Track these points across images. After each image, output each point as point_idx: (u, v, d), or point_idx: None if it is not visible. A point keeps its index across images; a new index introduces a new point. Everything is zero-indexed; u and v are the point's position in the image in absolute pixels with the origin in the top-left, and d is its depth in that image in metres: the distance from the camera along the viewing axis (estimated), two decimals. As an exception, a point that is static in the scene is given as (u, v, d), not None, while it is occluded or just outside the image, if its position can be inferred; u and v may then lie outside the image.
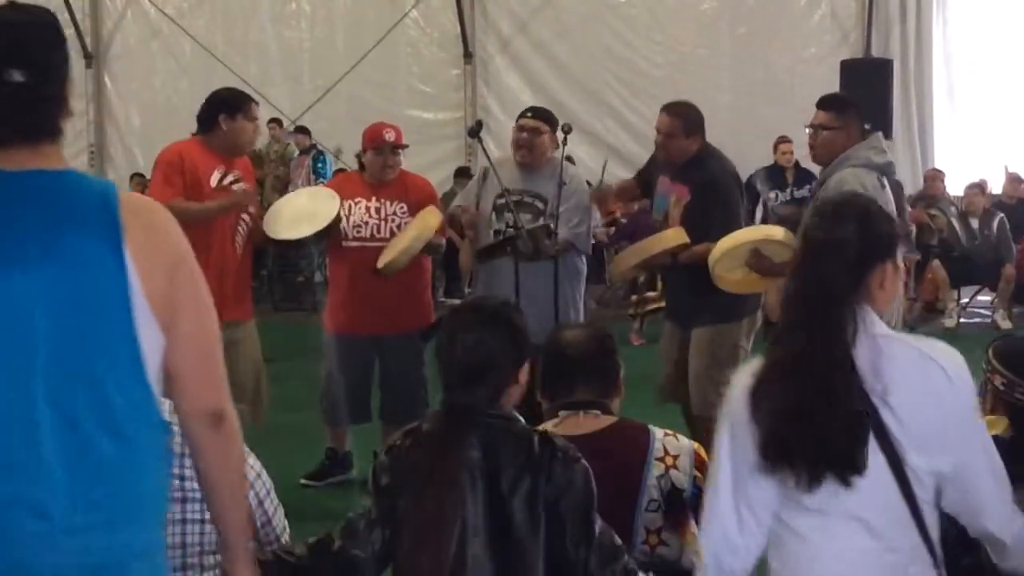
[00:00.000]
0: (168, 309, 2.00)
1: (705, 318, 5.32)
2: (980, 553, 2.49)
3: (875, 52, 13.43)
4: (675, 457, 2.97)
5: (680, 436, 3.06)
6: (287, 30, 15.45)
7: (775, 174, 11.26)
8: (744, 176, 7.32)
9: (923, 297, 11.15)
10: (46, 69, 1.98)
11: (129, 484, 1.96)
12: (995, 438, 2.65)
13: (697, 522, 2.58)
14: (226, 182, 5.38)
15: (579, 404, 3.00)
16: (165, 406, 2.14)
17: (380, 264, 5.43)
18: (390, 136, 5.71)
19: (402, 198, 5.69)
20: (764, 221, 10.27)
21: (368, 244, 5.60)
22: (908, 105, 13.51)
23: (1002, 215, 11.10)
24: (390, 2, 14.77)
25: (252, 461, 2.73)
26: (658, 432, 3.03)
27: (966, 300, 11.45)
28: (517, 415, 2.60)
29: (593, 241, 10.97)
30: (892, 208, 4.98)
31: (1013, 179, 12.02)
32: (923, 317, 10.84)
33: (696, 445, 3.04)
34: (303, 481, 5.90)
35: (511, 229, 5.35)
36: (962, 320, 11.05)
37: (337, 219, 5.53)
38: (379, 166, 5.71)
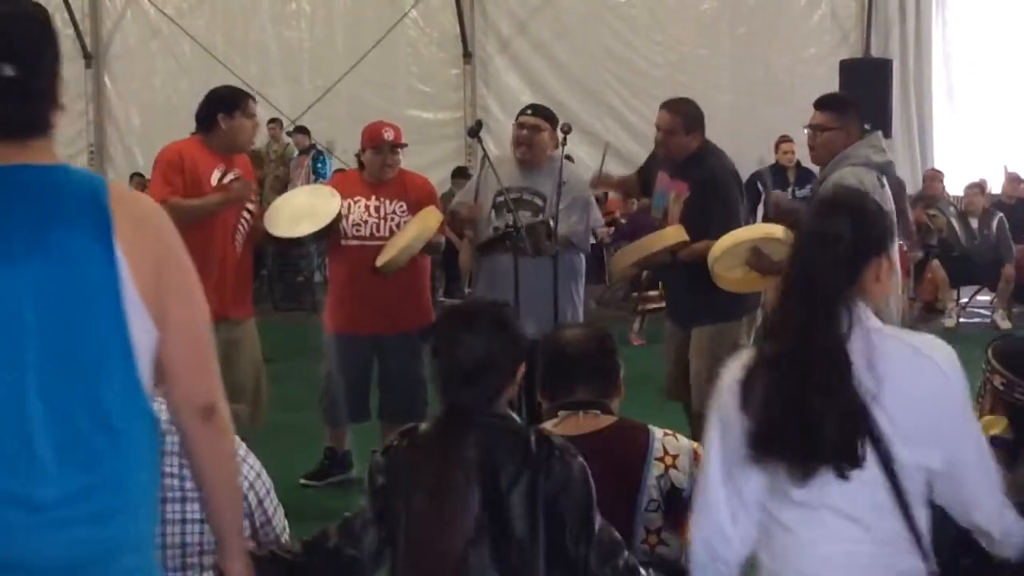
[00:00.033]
0: (158, 301, 2.00)
1: (705, 317, 5.32)
2: (980, 553, 2.49)
3: (875, 52, 13.43)
4: (675, 457, 2.97)
5: (680, 436, 3.06)
6: (287, 30, 15.45)
7: (777, 174, 11.28)
8: (745, 175, 7.33)
9: (923, 297, 11.15)
10: (36, 63, 1.98)
11: (120, 477, 1.97)
12: (995, 438, 2.66)
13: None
14: (226, 181, 5.38)
15: (579, 404, 3.00)
16: (162, 408, 2.15)
17: (379, 262, 5.44)
18: (389, 135, 5.71)
19: (401, 197, 5.69)
20: (766, 219, 10.28)
21: (368, 243, 5.60)
22: (907, 105, 13.51)
23: (1001, 215, 11.10)
24: (390, 2, 14.77)
25: (252, 461, 2.73)
26: (658, 432, 3.03)
27: (965, 300, 11.45)
28: (513, 414, 2.61)
29: (594, 241, 10.98)
30: (891, 207, 4.98)
31: (1012, 179, 12.02)
32: (923, 317, 10.84)
33: (696, 445, 3.04)
34: (303, 481, 5.90)
35: (511, 229, 5.35)
36: (962, 320, 11.04)
37: (338, 218, 5.53)
38: (378, 165, 5.71)
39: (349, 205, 5.63)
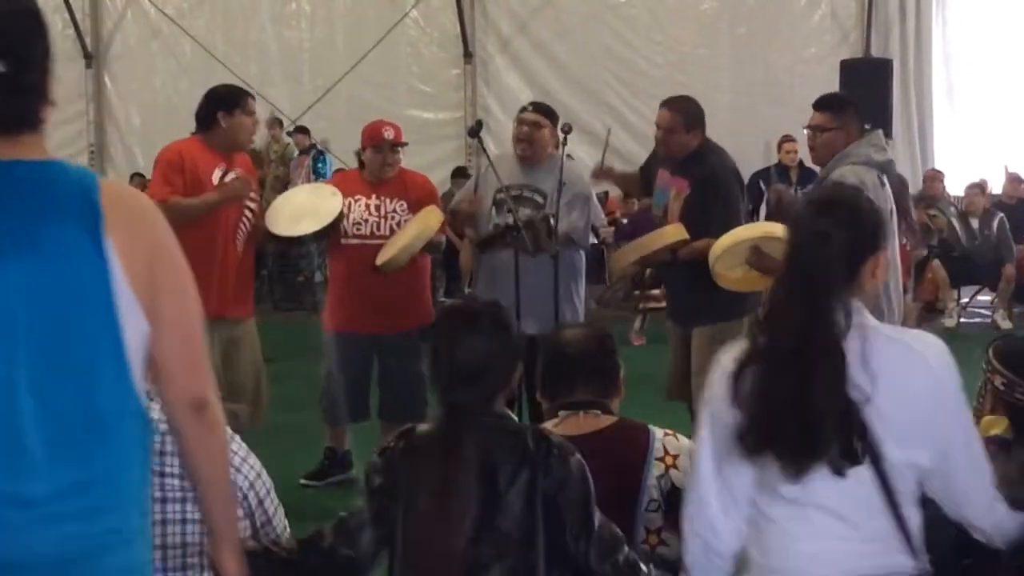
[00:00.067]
0: (151, 297, 2.00)
1: (706, 317, 5.31)
2: (980, 553, 2.49)
3: (875, 52, 13.43)
4: (675, 457, 2.97)
5: (680, 436, 3.06)
6: (287, 30, 15.45)
7: (779, 174, 11.28)
8: (745, 175, 7.32)
9: (923, 297, 11.15)
10: (27, 59, 1.97)
11: (111, 473, 1.97)
12: (996, 438, 2.66)
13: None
14: (227, 180, 5.38)
15: (579, 404, 3.00)
16: (154, 407, 2.15)
17: (379, 261, 5.44)
18: (389, 134, 5.71)
19: (402, 196, 5.70)
20: (769, 218, 10.29)
21: (368, 242, 5.61)
22: (908, 105, 13.51)
23: (1002, 215, 11.10)
24: (390, 2, 14.77)
25: (252, 461, 2.73)
26: (658, 432, 3.03)
27: (966, 300, 11.45)
28: (510, 413, 2.61)
29: (596, 241, 10.94)
30: (891, 205, 4.98)
31: (1013, 179, 12.02)
32: (923, 317, 10.84)
33: (696, 445, 3.04)
34: (303, 481, 5.90)
35: (511, 225, 5.35)
36: (962, 320, 11.05)
37: (340, 216, 5.53)
38: (378, 164, 5.72)
39: (350, 204, 5.63)
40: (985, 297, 11.50)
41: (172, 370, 2.06)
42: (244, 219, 5.44)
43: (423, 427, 2.58)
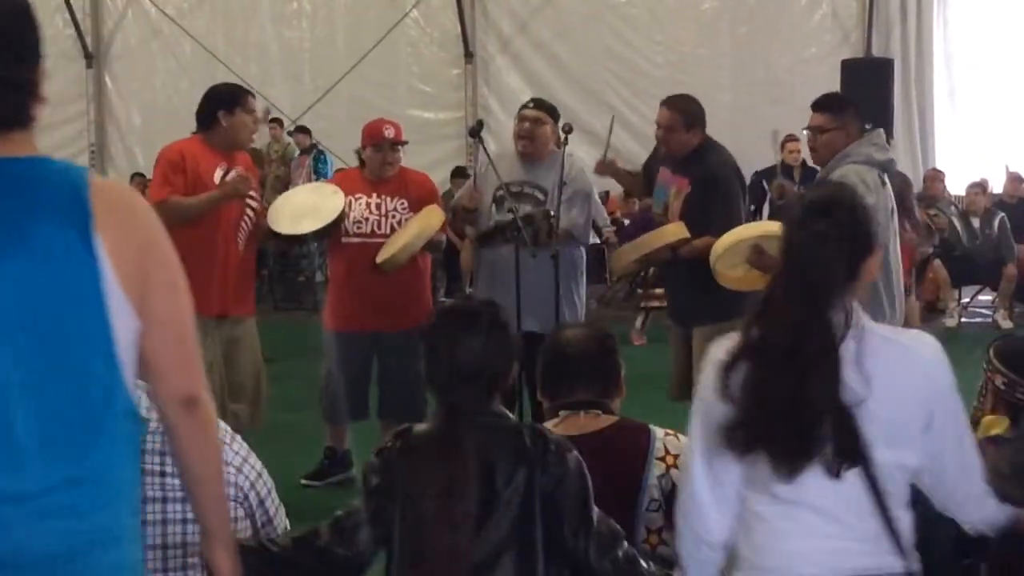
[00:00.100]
0: (142, 294, 1.99)
1: (706, 317, 5.31)
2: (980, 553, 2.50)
3: (876, 52, 13.44)
4: (676, 457, 2.96)
5: (681, 436, 3.05)
6: (287, 30, 15.46)
7: (783, 173, 11.28)
8: (746, 175, 7.32)
9: (924, 297, 11.15)
10: (19, 56, 1.96)
11: (101, 471, 1.96)
12: (996, 438, 2.65)
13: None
14: (228, 179, 5.38)
15: (580, 404, 3.00)
16: (143, 402, 2.14)
17: (380, 259, 5.44)
18: (389, 133, 5.71)
19: (402, 194, 5.70)
20: (772, 216, 10.30)
21: (369, 240, 5.61)
22: (909, 105, 13.52)
23: (1003, 215, 11.10)
24: (390, 2, 14.78)
25: (253, 461, 2.73)
26: (659, 432, 3.03)
27: (967, 300, 11.45)
28: (507, 412, 2.60)
29: (598, 240, 10.93)
30: (892, 204, 4.98)
31: (1014, 178, 12.02)
32: (924, 317, 10.84)
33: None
34: (303, 481, 5.90)
35: (510, 218, 5.35)
36: (963, 320, 11.05)
37: (342, 215, 5.53)
38: (379, 163, 5.72)
39: (350, 203, 5.64)
40: (986, 297, 11.50)
41: (163, 367, 2.05)
42: (245, 218, 5.44)
43: (420, 427, 2.58)
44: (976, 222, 11.10)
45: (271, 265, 12.53)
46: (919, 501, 2.37)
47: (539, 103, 5.83)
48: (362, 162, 6.30)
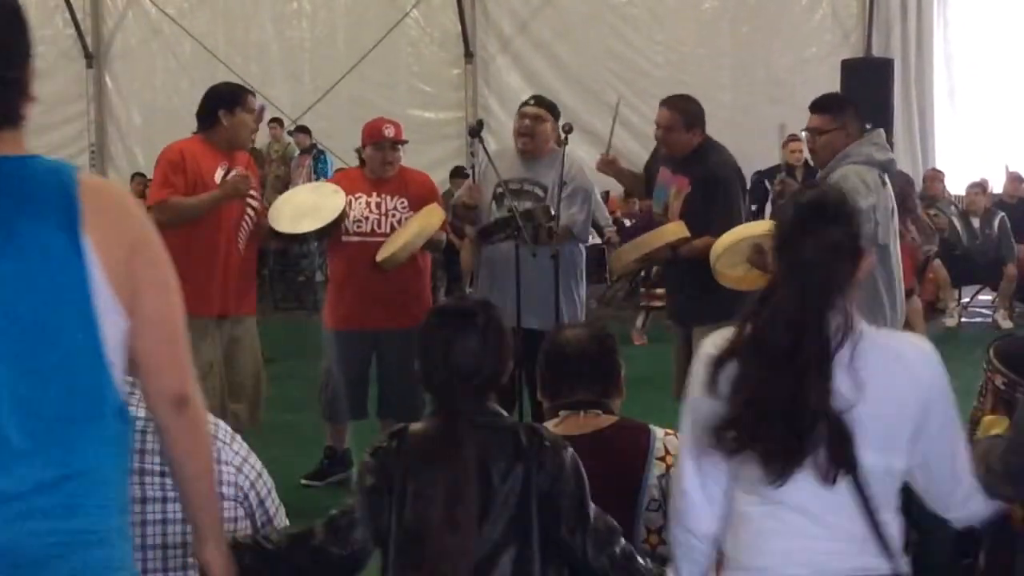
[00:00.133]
0: (131, 293, 1.98)
1: (706, 317, 5.30)
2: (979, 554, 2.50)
3: (876, 52, 13.44)
4: (676, 456, 2.96)
5: (681, 435, 3.06)
6: (288, 29, 15.46)
7: (785, 173, 11.27)
8: (746, 174, 7.31)
9: (924, 297, 11.16)
10: (8, 55, 1.96)
11: (89, 471, 1.96)
12: (997, 438, 2.65)
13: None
14: (229, 178, 5.38)
15: (580, 404, 3.00)
16: (134, 400, 2.15)
17: (380, 257, 5.45)
18: (389, 132, 5.71)
19: (403, 194, 5.70)
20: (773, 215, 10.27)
21: (369, 239, 5.61)
22: (909, 105, 13.52)
23: (1003, 214, 11.11)
24: (390, 2, 14.78)
25: (253, 461, 2.73)
26: (659, 431, 3.03)
27: (967, 300, 11.45)
28: (502, 410, 2.60)
29: (599, 241, 10.91)
30: (893, 204, 4.98)
31: (1014, 178, 12.02)
32: (924, 317, 10.85)
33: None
34: (304, 481, 5.90)
35: (510, 215, 5.35)
36: (963, 320, 11.05)
37: (343, 215, 5.54)
38: (379, 162, 5.72)
39: (350, 202, 5.64)
40: (986, 297, 11.50)
41: (153, 366, 2.05)
42: (246, 218, 5.44)
43: (416, 426, 2.58)
44: (976, 222, 11.11)
45: (271, 265, 12.54)
46: (918, 502, 2.37)
47: (540, 100, 5.84)
48: (362, 161, 6.30)
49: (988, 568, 2.86)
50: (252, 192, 5.47)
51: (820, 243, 2.19)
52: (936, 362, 2.25)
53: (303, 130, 14.00)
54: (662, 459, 2.96)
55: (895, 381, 2.20)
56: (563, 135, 5.65)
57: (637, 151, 10.38)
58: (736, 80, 14.02)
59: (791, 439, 2.16)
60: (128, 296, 1.98)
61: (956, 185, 12.20)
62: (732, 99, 13.69)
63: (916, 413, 2.21)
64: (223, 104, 5.37)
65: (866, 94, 10.30)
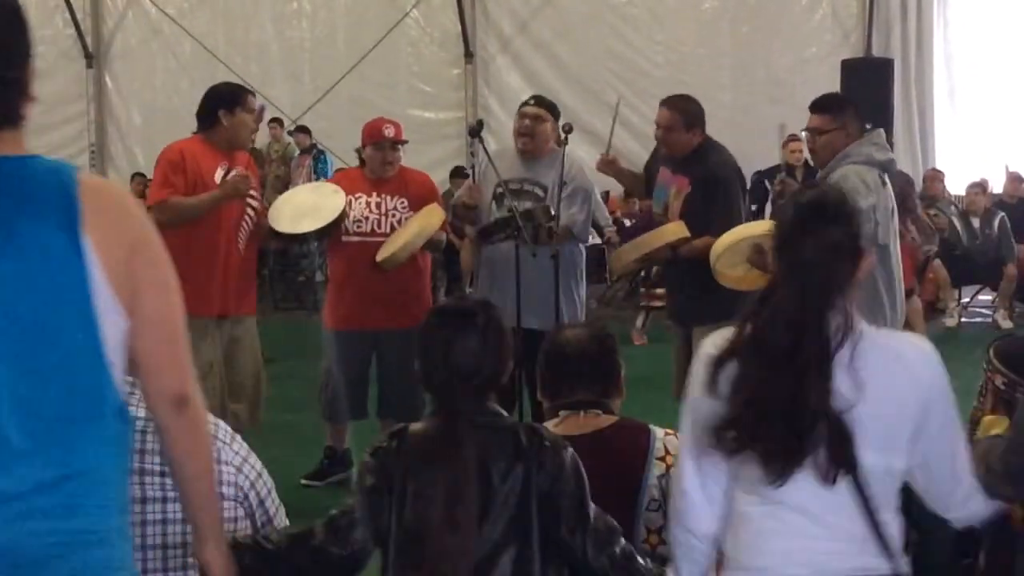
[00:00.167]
0: (131, 293, 1.98)
1: (707, 317, 5.30)
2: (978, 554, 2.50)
3: (876, 52, 13.44)
4: (676, 456, 2.96)
5: (681, 435, 3.06)
6: (288, 29, 15.46)
7: (786, 173, 11.28)
8: (746, 174, 7.31)
9: (924, 297, 11.16)
10: (8, 55, 1.96)
11: (89, 471, 1.96)
12: (997, 438, 2.65)
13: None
14: (229, 178, 5.38)
15: (580, 404, 3.00)
16: (134, 400, 2.15)
17: (380, 257, 5.45)
18: (389, 132, 5.71)
19: (402, 194, 5.71)
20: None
21: (368, 239, 5.61)
22: (909, 105, 13.52)
23: (1003, 214, 11.11)
24: (390, 2, 14.78)
25: (253, 461, 2.73)
26: (659, 431, 3.03)
27: (967, 300, 11.45)
28: (502, 410, 2.60)
29: (599, 241, 10.88)
30: (893, 204, 4.97)
31: (1014, 178, 12.02)
32: (924, 316, 10.85)
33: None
34: (304, 481, 5.90)
35: (510, 214, 5.35)
36: (963, 320, 11.05)
37: (343, 214, 5.54)
38: (379, 161, 5.72)
39: (350, 202, 5.64)
40: (986, 297, 11.50)
41: (153, 366, 2.05)
42: (246, 218, 5.44)
43: (416, 427, 2.58)
44: (976, 222, 11.11)
45: (271, 265, 12.54)
46: (917, 502, 2.37)
47: (540, 100, 5.84)
48: (362, 161, 6.31)
49: (988, 568, 2.87)
50: (252, 192, 5.47)
51: (820, 243, 2.19)
52: (936, 362, 2.25)
53: (303, 130, 14.00)
54: (662, 459, 2.96)
55: (895, 381, 2.20)
56: (563, 135, 5.65)
57: (637, 151, 10.38)
58: (736, 80, 14.02)
59: (791, 439, 2.16)
60: (128, 296, 1.98)
61: (956, 185, 12.20)
62: (732, 99, 13.69)
63: (916, 413, 2.21)
64: (223, 104, 5.36)
65: (866, 94, 10.30)
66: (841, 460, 2.15)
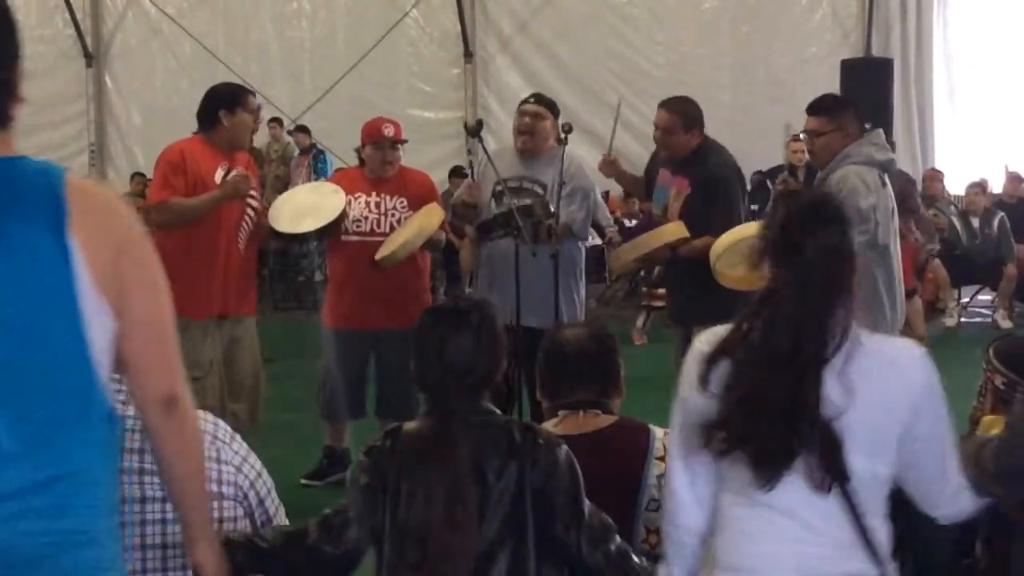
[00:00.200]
0: (118, 294, 1.97)
1: (707, 317, 5.28)
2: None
3: (875, 52, 13.44)
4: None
5: (681, 435, 3.05)
6: (288, 29, 15.46)
7: (788, 174, 11.28)
8: (747, 174, 7.30)
9: (924, 296, 11.16)
10: None
11: (77, 472, 1.95)
12: (987, 437, 2.65)
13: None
14: (229, 179, 5.38)
15: (579, 404, 3.00)
16: (120, 398, 2.15)
17: (379, 255, 5.45)
18: (389, 131, 5.71)
19: (402, 193, 5.71)
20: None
21: (368, 239, 5.61)
22: (908, 105, 13.52)
23: (1002, 214, 11.11)
24: (390, 2, 14.78)
25: (253, 460, 2.73)
26: (658, 431, 3.03)
27: (967, 299, 11.45)
28: (495, 409, 2.60)
29: (600, 242, 10.86)
30: (893, 204, 4.97)
31: (1013, 178, 12.02)
32: (924, 316, 10.85)
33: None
34: (303, 481, 5.90)
35: (509, 211, 5.35)
36: (963, 320, 11.05)
37: (343, 214, 5.54)
38: (379, 161, 5.72)
39: (350, 201, 5.64)
40: (985, 296, 11.50)
41: (141, 367, 2.04)
42: (246, 218, 5.44)
43: (410, 426, 2.58)
44: (976, 222, 11.11)
45: (271, 265, 12.54)
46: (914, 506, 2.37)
47: (539, 98, 5.84)
48: (362, 161, 6.31)
49: (987, 559, 2.86)
50: (252, 192, 5.47)
51: (820, 243, 2.19)
52: (927, 365, 2.24)
53: (303, 130, 14.00)
54: (662, 459, 2.95)
55: (888, 386, 2.19)
56: (563, 134, 5.65)
57: (638, 152, 10.38)
58: (736, 80, 14.02)
59: (784, 440, 2.16)
60: (115, 297, 1.97)
61: (956, 185, 12.20)
62: (732, 99, 13.69)
63: (905, 415, 2.20)
64: (224, 104, 5.36)
65: (866, 94, 10.30)
66: (831, 467, 2.14)
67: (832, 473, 2.15)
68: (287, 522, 2.82)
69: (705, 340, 2.30)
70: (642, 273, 9.98)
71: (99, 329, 1.96)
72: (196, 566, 2.24)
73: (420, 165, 6.73)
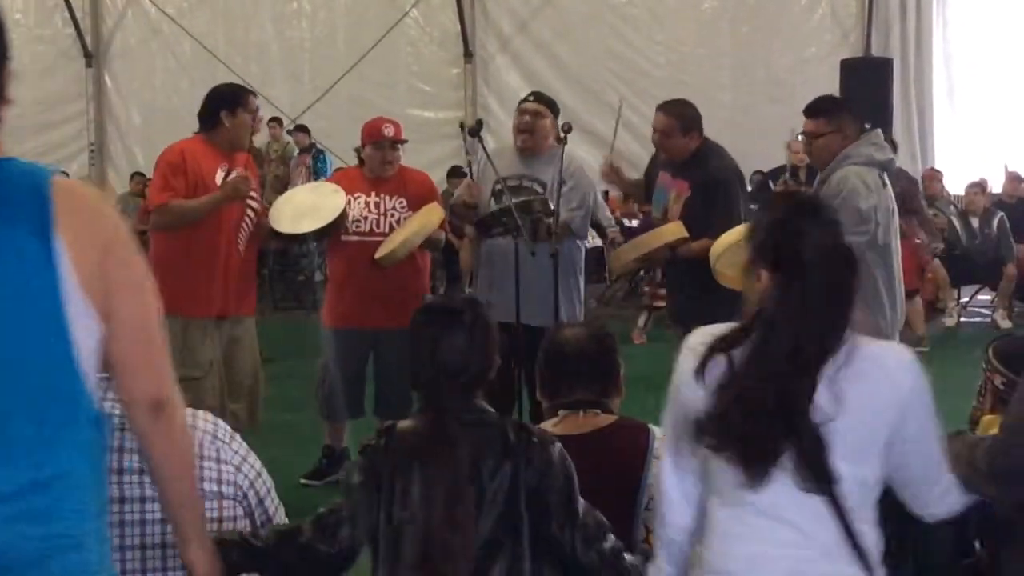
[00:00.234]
0: (105, 296, 1.96)
1: (707, 317, 5.28)
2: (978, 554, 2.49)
3: (875, 51, 13.45)
4: (667, 455, 2.96)
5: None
6: (288, 29, 15.46)
7: (790, 174, 11.28)
8: (747, 175, 7.31)
9: (923, 296, 11.16)
10: None
11: (64, 476, 1.95)
12: (976, 436, 2.65)
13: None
14: (229, 179, 5.37)
15: (579, 403, 3.00)
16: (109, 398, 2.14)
17: (379, 254, 5.45)
18: (389, 131, 5.71)
19: (402, 193, 5.70)
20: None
21: (367, 239, 5.61)
22: (908, 104, 13.52)
23: (1002, 214, 11.10)
24: (390, 2, 14.79)
25: (252, 460, 2.73)
26: (658, 431, 3.03)
27: (966, 299, 11.45)
28: (489, 407, 2.60)
29: (600, 243, 10.86)
30: (893, 205, 4.97)
31: (1013, 178, 12.02)
32: (924, 316, 10.85)
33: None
34: (303, 481, 5.90)
35: (507, 208, 5.35)
36: (962, 319, 11.05)
37: (343, 214, 5.54)
38: (378, 161, 5.72)
39: (350, 201, 5.64)
40: (985, 296, 11.50)
41: (128, 368, 2.03)
42: (246, 218, 5.44)
43: (404, 424, 2.58)
44: (975, 222, 11.10)
45: (271, 265, 12.54)
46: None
47: (539, 96, 5.83)
48: (362, 161, 6.30)
49: (987, 558, 2.86)
50: (252, 193, 5.47)
51: (820, 243, 2.19)
52: (916, 368, 2.24)
53: (302, 129, 14.00)
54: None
55: (876, 389, 2.19)
56: (562, 134, 5.65)
57: (638, 152, 10.39)
58: (736, 80, 14.03)
59: (776, 439, 2.16)
60: (101, 298, 1.96)
61: (955, 185, 12.20)
62: (732, 99, 13.70)
63: (893, 419, 2.19)
64: (225, 105, 5.36)
65: (865, 94, 10.31)
66: (819, 472, 2.14)
67: (818, 475, 2.15)
68: (287, 522, 2.82)
69: (699, 339, 2.30)
70: (642, 273, 9.99)
71: (85, 331, 1.95)
72: (188, 566, 2.23)
73: (420, 165, 6.73)
